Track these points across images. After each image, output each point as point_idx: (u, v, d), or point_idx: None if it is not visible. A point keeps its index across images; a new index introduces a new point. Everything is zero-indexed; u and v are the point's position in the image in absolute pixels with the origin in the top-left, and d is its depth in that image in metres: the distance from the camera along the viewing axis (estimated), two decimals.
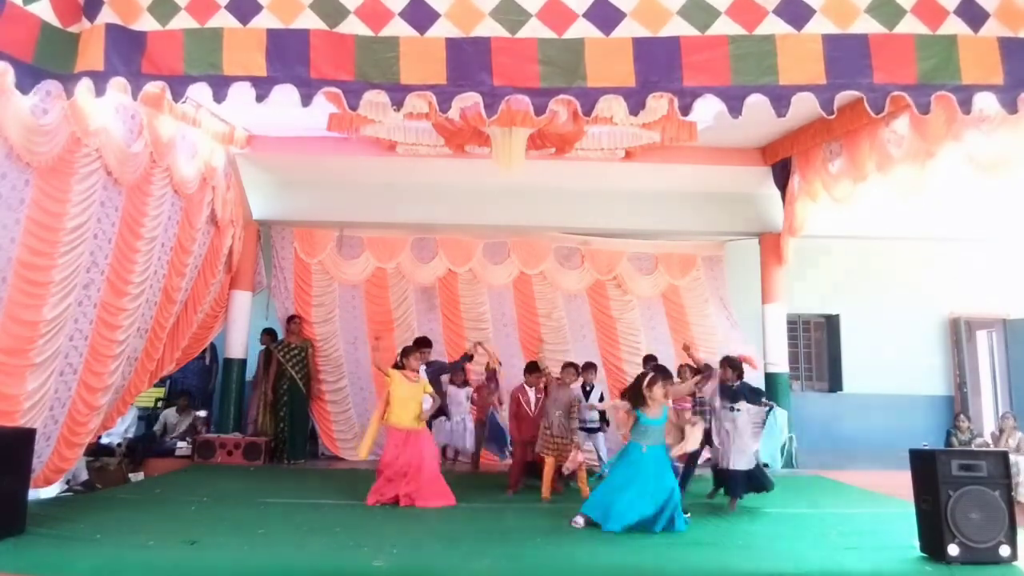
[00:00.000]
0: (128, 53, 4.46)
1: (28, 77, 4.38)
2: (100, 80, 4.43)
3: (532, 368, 7.29)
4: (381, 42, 4.48)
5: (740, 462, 6.27)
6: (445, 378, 8.10)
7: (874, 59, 4.35)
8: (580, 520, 5.49)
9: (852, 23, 4.38)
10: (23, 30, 4.36)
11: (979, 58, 4.33)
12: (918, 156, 6.25)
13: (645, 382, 5.64)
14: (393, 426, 6.27)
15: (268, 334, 9.34)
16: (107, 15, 4.47)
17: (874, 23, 4.37)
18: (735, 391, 6.50)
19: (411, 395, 6.31)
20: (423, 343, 7.65)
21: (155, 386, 8.83)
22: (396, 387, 6.28)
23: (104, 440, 8.30)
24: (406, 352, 6.52)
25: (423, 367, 7.09)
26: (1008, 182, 6.56)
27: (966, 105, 4.35)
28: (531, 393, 7.17)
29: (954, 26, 4.36)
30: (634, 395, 5.69)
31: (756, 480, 6.38)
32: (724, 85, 4.40)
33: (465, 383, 8.27)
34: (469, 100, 4.60)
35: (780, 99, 4.40)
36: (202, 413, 9.17)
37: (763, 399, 6.73)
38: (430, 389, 6.60)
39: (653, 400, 5.58)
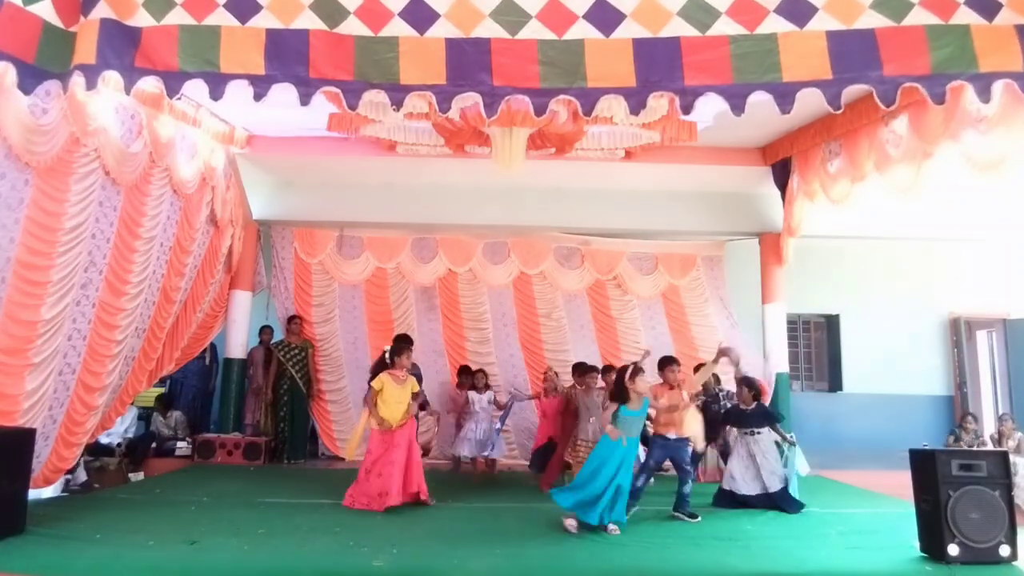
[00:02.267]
0: (121, 47, 4.44)
1: (30, 77, 4.38)
2: (91, 73, 4.38)
3: (589, 369, 7.36)
4: (380, 42, 4.47)
5: (775, 482, 6.34)
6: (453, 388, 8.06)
7: (883, 51, 4.29)
8: (572, 523, 5.35)
9: (857, 19, 4.34)
10: (24, 30, 4.36)
11: (996, 46, 4.26)
12: (916, 156, 6.25)
13: (628, 374, 5.58)
14: (377, 428, 6.12)
15: (267, 332, 9.35)
16: (102, 10, 4.45)
17: (880, 18, 4.33)
18: (750, 415, 6.56)
19: (399, 398, 6.15)
20: (405, 339, 7.07)
21: (156, 386, 8.82)
22: (385, 391, 6.11)
23: (104, 440, 8.30)
24: (396, 351, 6.27)
25: None
26: (1007, 181, 6.55)
27: (985, 94, 4.27)
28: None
29: (966, 16, 4.30)
30: (618, 390, 5.64)
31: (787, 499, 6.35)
32: (726, 83, 4.38)
33: (487, 387, 8.18)
34: (469, 100, 4.59)
35: (784, 96, 4.36)
36: (178, 413, 9.10)
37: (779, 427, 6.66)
38: (417, 388, 6.41)
39: (636, 393, 5.54)
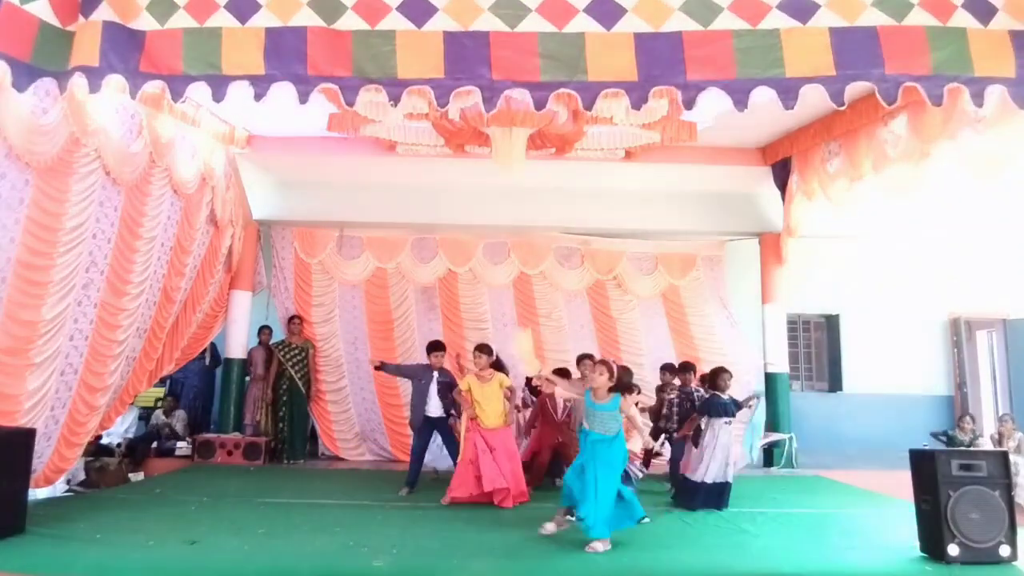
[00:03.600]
0: (126, 51, 4.44)
1: (25, 76, 4.36)
2: (94, 76, 4.39)
3: (563, 374, 7.37)
4: (378, 36, 4.46)
5: (730, 473, 6.32)
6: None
7: (885, 49, 4.30)
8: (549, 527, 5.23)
9: (859, 16, 4.34)
10: (21, 30, 4.35)
11: (990, 51, 4.28)
12: (913, 156, 6.26)
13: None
14: (479, 426, 6.39)
15: (265, 332, 9.35)
16: (104, 12, 4.45)
17: (882, 15, 4.34)
18: (728, 404, 6.47)
19: (487, 395, 6.40)
20: (437, 347, 7.18)
21: (155, 386, 8.83)
22: (473, 391, 6.42)
23: (104, 440, 8.30)
24: (478, 350, 6.61)
25: (436, 373, 6.97)
26: (1006, 181, 6.55)
27: (979, 98, 4.29)
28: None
29: (963, 19, 4.32)
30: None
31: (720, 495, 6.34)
32: (729, 78, 4.36)
33: None
34: (468, 98, 4.58)
35: (788, 91, 4.34)
36: (181, 412, 9.10)
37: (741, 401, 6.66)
38: (508, 382, 6.59)
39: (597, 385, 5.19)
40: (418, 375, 7.11)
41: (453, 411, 7.02)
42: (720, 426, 6.37)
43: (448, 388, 6.97)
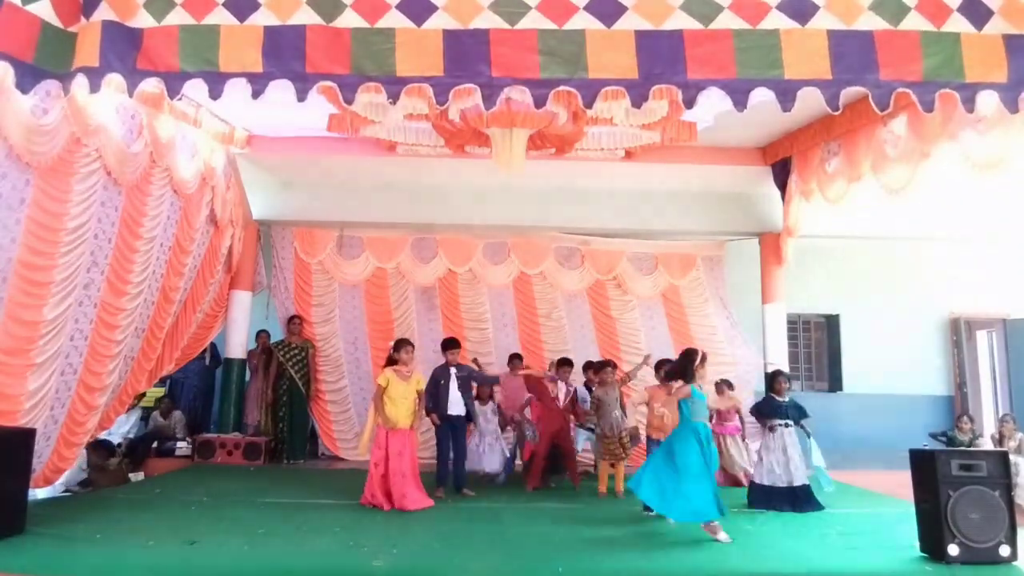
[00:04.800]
0: (124, 49, 4.44)
1: (29, 77, 4.38)
2: (95, 76, 4.40)
3: (565, 362, 7.59)
4: (377, 33, 4.46)
5: (801, 476, 6.37)
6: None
7: (880, 55, 4.33)
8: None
9: (856, 19, 4.37)
10: (23, 30, 4.36)
11: (983, 56, 4.31)
12: (913, 156, 6.25)
13: (699, 358, 5.56)
14: (382, 426, 6.23)
15: (263, 336, 9.32)
16: (104, 12, 4.46)
17: (879, 19, 4.37)
18: (787, 407, 6.55)
19: (404, 394, 6.27)
20: (452, 344, 7.16)
21: (156, 386, 8.83)
22: (390, 388, 6.24)
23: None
24: (397, 346, 6.45)
25: (454, 369, 6.94)
26: (1007, 181, 6.55)
27: (969, 103, 4.33)
28: (561, 387, 7.44)
29: (957, 24, 4.35)
30: (685, 372, 5.57)
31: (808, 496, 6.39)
32: (729, 78, 4.37)
33: (490, 397, 7.76)
34: (468, 98, 4.58)
35: (786, 93, 4.37)
36: (177, 413, 9.09)
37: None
38: (422, 385, 6.48)
39: (701, 376, 5.59)
40: (436, 378, 6.99)
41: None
42: (776, 427, 6.46)
43: (468, 381, 7.04)
